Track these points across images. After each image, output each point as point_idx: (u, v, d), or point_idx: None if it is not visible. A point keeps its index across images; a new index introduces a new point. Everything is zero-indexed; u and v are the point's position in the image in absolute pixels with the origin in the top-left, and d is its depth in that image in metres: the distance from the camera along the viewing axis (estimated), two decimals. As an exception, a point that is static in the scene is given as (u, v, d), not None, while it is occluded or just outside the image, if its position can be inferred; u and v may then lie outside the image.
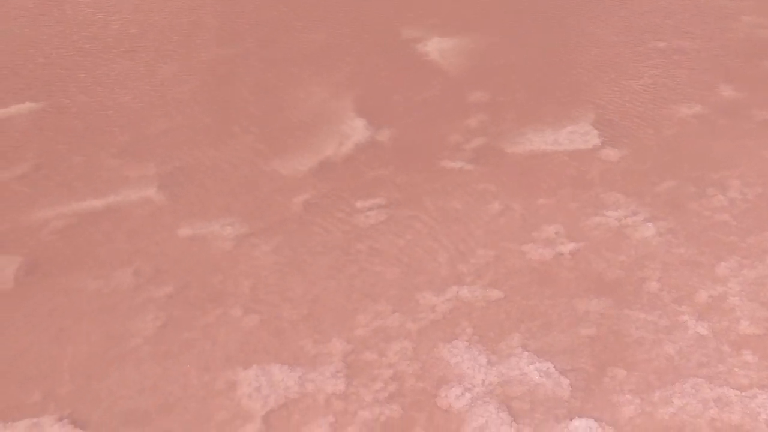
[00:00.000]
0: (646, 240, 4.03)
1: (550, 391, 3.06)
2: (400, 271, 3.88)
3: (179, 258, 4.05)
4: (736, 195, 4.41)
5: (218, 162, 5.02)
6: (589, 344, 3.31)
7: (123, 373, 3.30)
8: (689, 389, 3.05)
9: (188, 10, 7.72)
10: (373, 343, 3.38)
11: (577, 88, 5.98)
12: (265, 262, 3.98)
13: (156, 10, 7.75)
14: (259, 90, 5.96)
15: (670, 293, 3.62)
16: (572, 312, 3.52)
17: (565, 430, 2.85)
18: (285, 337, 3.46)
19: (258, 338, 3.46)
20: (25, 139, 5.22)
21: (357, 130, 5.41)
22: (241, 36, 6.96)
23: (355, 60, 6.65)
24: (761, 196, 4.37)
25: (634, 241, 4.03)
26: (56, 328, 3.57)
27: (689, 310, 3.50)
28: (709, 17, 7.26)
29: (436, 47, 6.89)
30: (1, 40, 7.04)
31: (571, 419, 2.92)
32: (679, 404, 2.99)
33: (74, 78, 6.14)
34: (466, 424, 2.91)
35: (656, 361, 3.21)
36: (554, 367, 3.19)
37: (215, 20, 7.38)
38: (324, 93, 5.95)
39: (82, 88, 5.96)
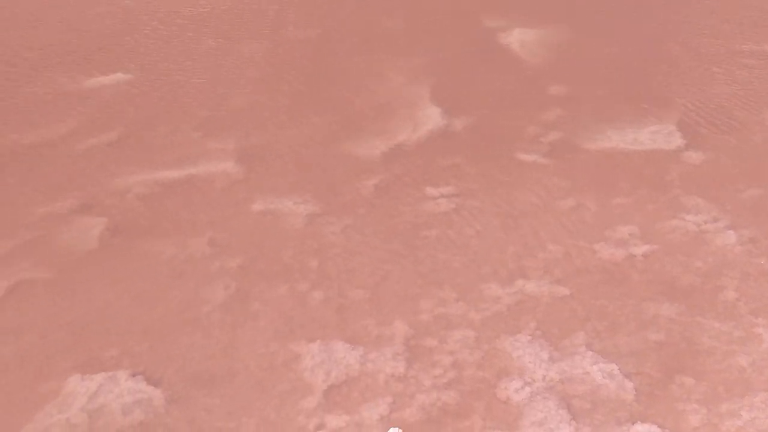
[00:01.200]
0: (725, 247, 3.88)
1: (612, 393, 3.01)
2: (466, 260, 3.87)
3: (252, 231, 4.17)
4: (828, 208, 4.18)
5: (294, 141, 5.12)
6: (657, 349, 3.23)
7: (193, 337, 3.44)
8: (759, 403, 2.94)
9: (273, -9, 7.86)
10: (435, 330, 3.40)
11: (661, 86, 5.78)
12: (333, 241, 4.05)
13: (243, -11, 7.92)
14: (337, 73, 6.03)
15: (747, 304, 3.48)
16: (641, 315, 3.43)
17: (625, 434, 2.80)
18: (348, 315, 3.52)
19: (322, 314, 3.53)
20: (115, 108, 5.46)
21: (432, 117, 5.41)
22: (323, 19, 7.05)
23: (434, 47, 6.63)
24: None
25: (712, 247, 3.88)
26: (135, 289, 3.75)
27: (766, 322, 3.36)
28: (811, 19, 6.85)
29: (517, 38, 6.79)
30: (100, 15, 7.37)
31: (633, 423, 2.87)
32: (747, 418, 2.88)
33: (164, 53, 6.37)
34: (524, 418, 2.90)
35: (727, 372, 3.10)
36: (619, 369, 3.13)
37: (300, 3, 7.49)
38: (401, 78, 5.97)
39: (170, 62, 6.18)
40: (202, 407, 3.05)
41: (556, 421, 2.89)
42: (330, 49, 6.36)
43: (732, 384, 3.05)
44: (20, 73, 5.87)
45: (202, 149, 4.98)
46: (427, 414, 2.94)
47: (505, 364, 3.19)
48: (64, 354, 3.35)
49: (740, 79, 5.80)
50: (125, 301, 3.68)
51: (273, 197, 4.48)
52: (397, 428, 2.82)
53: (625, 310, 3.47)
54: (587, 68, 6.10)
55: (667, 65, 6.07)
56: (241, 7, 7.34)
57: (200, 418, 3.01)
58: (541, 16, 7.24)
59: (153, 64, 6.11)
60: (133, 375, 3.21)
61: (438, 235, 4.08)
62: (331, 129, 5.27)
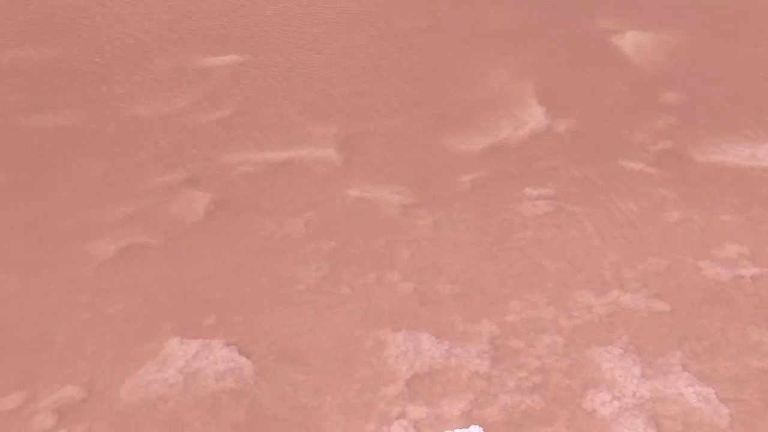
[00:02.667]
0: None
1: (707, 417, 2.88)
2: (560, 265, 3.79)
3: (347, 217, 4.26)
4: None
5: (394, 131, 5.17)
6: (759, 376, 3.06)
7: (285, 313, 3.55)
8: None
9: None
10: (522, 332, 3.36)
11: (787, 100, 5.41)
12: (426, 233, 4.07)
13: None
14: (441, 65, 6.02)
15: None
16: (744, 339, 3.25)
17: (717, 462, 2.68)
18: (436, 309, 3.53)
19: (410, 305, 3.56)
20: (227, 88, 5.70)
21: (535, 116, 5.31)
22: (432, 11, 7.04)
23: (543, 45, 6.49)
24: None
25: (831, 277, 3.62)
26: (234, 263, 3.91)
27: None
28: None
29: (631, 41, 6.54)
30: (216, -6, 7.66)
31: (726, 452, 2.73)
32: None
33: (275, 38, 6.57)
34: (608, 432, 2.83)
35: (837, 411, 2.90)
36: (715, 393, 2.98)
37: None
38: (506, 75, 5.89)
39: (281, 48, 6.37)
40: (288, 382, 3.16)
41: (643, 439, 2.79)
42: (436, 41, 6.36)
43: (842, 424, 2.84)
44: (144, 49, 6.21)
45: (305, 133, 5.11)
46: (508, 415, 2.92)
47: (593, 375, 3.11)
48: (166, 318, 3.54)
49: None
50: (224, 272, 3.85)
51: (369, 185, 4.54)
52: (478, 426, 2.82)
53: (728, 333, 3.30)
54: (705, 75, 5.80)
55: (795, 78, 5.68)
56: (338, 3, 7.45)
57: (286, 392, 3.11)
58: (659, 18, 6.94)
59: (265, 49, 6.31)
60: (227, 344, 3.35)
61: (533, 237, 4.01)
62: (431, 122, 5.28)
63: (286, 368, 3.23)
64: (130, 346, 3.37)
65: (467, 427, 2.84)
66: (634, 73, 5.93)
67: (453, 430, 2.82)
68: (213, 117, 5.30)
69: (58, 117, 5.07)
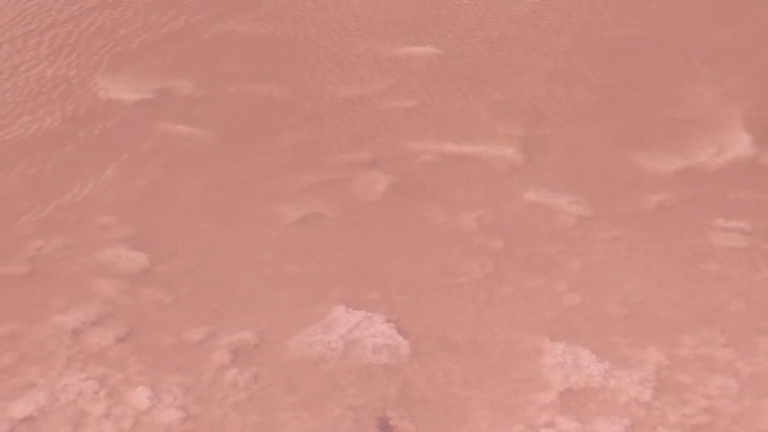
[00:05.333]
0: None
1: None
2: (746, 306, 3.50)
3: (520, 219, 4.23)
4: None
5: (581, 139, 5.02)
6: None
7: (446, 302, 3.62)
8: None
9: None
10: (693, 368, 3.15)
11: None
12: (602, 248, 3.93)
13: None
14: (643, 78, 5.73)
15: None
16: None
17: None
18: (601, 326, 3.41)
19: (574, 318, 3.48)
20: (420, 77, 5.86)
21: (740, 143, 4.90)
22: (642, 20, 6.71)
23: (758, 67, 5.94)
24: None
25: None
26: (403, 245, 4.04)
27: None
28: None
29: None
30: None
31: None
32: None
33: (473, 33, 6.63)
34: (778, 494, 2.58)
35: None
36: None
37: (623, 1, 7.21)
38: (714, 96, 5.48)
39: (477, 43, 6.41)
40: (441, 368, 3.23)
41: None
42: (642, 52, 6.06)
43: None
44: (346, 35, 6.56)
45: (489, 131, 5.13)
46: (665, 451, 2.77)
47: (765, 427, 2.85)
48: (335, 285, 3.76)
49: None
50: (392, 253, 4.00)
51: (547, 191, 4.47)
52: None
53: None
54: None
55: None
56: (557, 1, 7.30)
57: (438, 378, 3.18)
58: None
59: (461, 43, 6.40)
60: (388, 321, 3.49)
61: (719, 271, 3.73)
62: (623, 135, 5.06)
63: (441, 355, 3.30)
64: (301, 305, 3.62)
65: (619, 451, 2.74)
66: None
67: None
68: (402, 105, 5.48)
69: (266, 87, 5.52)
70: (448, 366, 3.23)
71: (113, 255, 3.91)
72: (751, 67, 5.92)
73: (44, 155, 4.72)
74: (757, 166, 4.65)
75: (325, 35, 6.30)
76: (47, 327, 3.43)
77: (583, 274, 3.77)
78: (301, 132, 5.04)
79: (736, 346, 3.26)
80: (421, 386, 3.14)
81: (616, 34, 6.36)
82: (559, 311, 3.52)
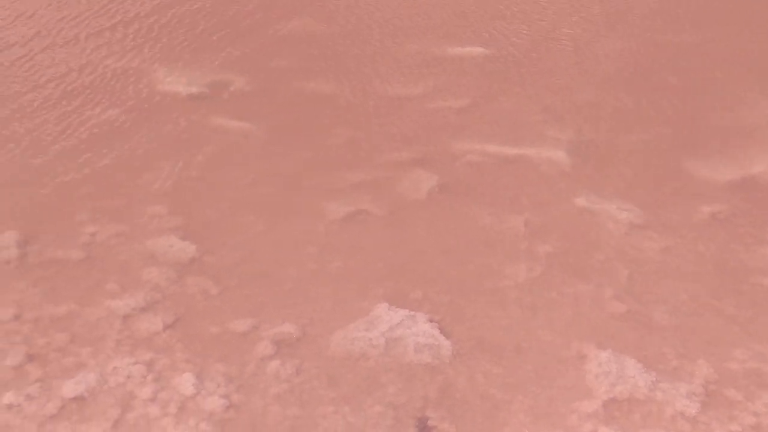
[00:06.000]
0: None
1: None
2: (802, 322, 3.38)
3: (568, 224, 4.17)
4: None
5: (634, 146, 4.93)
6: None
7: (490, 305, 3.60)
8: None
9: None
10: (743, 384, 3.06)
11: None
12: (651, 257, 3.85)
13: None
14: (701, 85, 5.58)
15: None
16: None
17: None
18: (648, 336, 3.35)
19: (620, 326, 3.42)
20: (469, 78, 5.83)
21: (800, 155, 4.74)
22: (703, 26, 6.54)
23: (825, 78, 5.73)
24: None
25: None
26: (448, 245, 4.04)
27: None
28: None
29: None
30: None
31: None
32: None
33: (522, 35, 6.57)
34: None
35: None
36: None
37: (679, 5, 7.05)
38: (772, 105, 5.31)
39: (527, 45, 6.35)
40: (482, 371, 3.21)
41: None
42: (701, 59, 5.91)
43: None
44: (397, 34, 6.57)
45: (538, 133, 5.08)
46: (711, 467, 2.70)
47: (821, 452, 2.75)
48: (379, 282, 3.78)
49: None
50: (437, 253, 4.00)
51: (597, 197, 4.40)
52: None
53: None
54: None
55: None
56: (609, 4, 7.18)
57: (478, 379, 3.17)
58: None
59: (511, 44, 6.35)
60: (430, 320, 3.49)
61: (773, 285, 3.62)
62: (676, 142, 4.95)
63: (483, 357, 3.29)
64: (344, 301, 3.65)
65: (664, 465, 2.68)
66: None
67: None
68: (450, 104, 5.46)
69: (318, 84, 5.57)
70: (490, 368, 3.22)
71: (163, 244, 4.00)
72: (815, 77, 5.72)
73: (102, 145, 4.86)
74: (818, 179, 4.49)
75: (378, 33, 6.33)
76: (99, 310, 3.54)
77: (630, 283, 3.70)
78: (350, 129, 5.07)
79: (790, 363, 3.16)
80: (462, 387, 3.13)
81: (668, 40, 6.21)
82: (605, 319, 3.47)
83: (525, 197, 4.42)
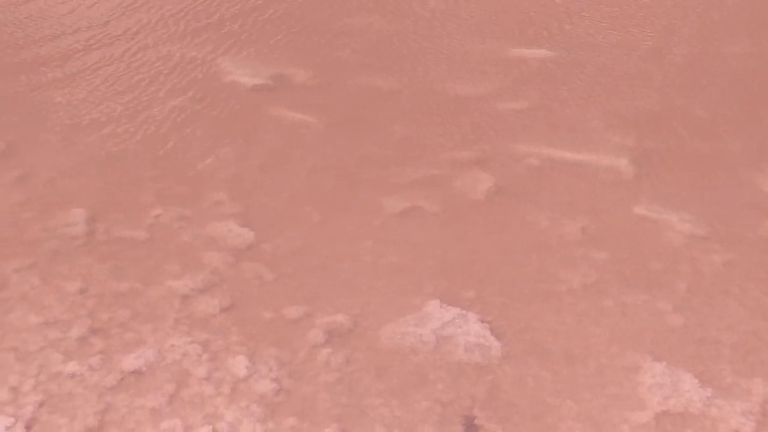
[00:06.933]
0: None
1: None
2: None
3: (627, 232, 4.10)
4: None
5: (699, 156, 4.80)
6: None
7: (543, 309, 3.57)
8: None
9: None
10: (805, 407, 2.96)
11: None
12: (712, 271, 3.75)
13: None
14: (765, 96, 5.40)
15: None
16: None
17: None
18: (706, 351, 3.26)
19: (677, 339, 3.34)
20: (531, 80, 5.78)
21: None
22: (759, 39, 6.32)
23: None
24: None
25: None
26: (502, 247, 4.02)
27: None
28: None
29: None
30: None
31: None
32: None
33: (591, 38, 6.47)
34: None
35: None
36: None
37: (749, 18, 6.82)
38: None
39: (594, 47, 6.26)
40: (532, 374, 3.19)
41: None
42: (760, 71, 5.71)
43: None
44: (462, 33, 6.56)
45: (600, 139, 5.00)
46: (766, 489, 2.62)
47: None
48: (431, 279, 3.79)
49: None
50: (491, 253, 3.98)
51: (658, 206, 4.31)
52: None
53: None
54: None
55: None
56: (675, 10, 7.00)
57: (528, 383, 3.15)
58: None
59: (578, 48, 6.26)
60: (482, 321, 3.49)
61: (843, 307, 3.48)
62: (742, 154, 4.80)
63: (533, 361, 3.27)
64: (396, 296, 3.68)
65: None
66: None
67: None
68: (512, 106, 5.43)
69: (380, 80, 5.62)
70: (540, 372, 3.19)
71: (223, 229, 4.11)
72: None
73: (169, 131, 5.02)
74: None
75: (443, 32, 6.33)
76: (160, 289, 3.66)
77: (689, 296, 3.61)
78: (410, 126, 5.10)
79: None
80: (511, 389, 3.12)
81: (733, 51, 6.03)
82: (661, 331, 3.40)
83: (583, 203, 4.36)
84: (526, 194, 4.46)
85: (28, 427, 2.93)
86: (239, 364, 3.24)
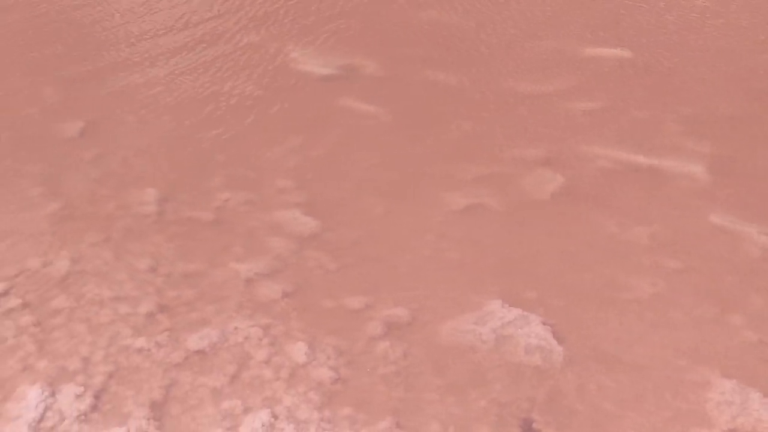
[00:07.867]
0: None
1: None
2: None
3: (700, 242, 3.95)
4: None
5: (780, 167, 4.58)
6: None
7: (608, 316, 3.48)
8: None
9: None
10: None
11: None
12: (791, 287, 3.58)
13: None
14: None
15: None
16: None
17: None
18: (780, 371, 3.12)
19: (749, 357, 3.21)
20: (603, 80, 5.62)
21: None
22: None
23: None
24: None
25: None
26: (567, 249, 3.93)
27: None
28: None
29: None
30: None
31: None
32: None
33: (668, 39, 6.25)
34: None
35: None
36: None
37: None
38: None
39: (671, 50, 6.04)
40: (594, 381, 3.12)
41: None
42: None
43: None
44: (532, 30, 6.44)
45: (675, 144, 4.83)
46: None
47: None
48: (493, 278, 3.74)
49: None
50: (556, 255, 3.91)
51: (735, 217, 4.14)
52: None
53: None
54: None
55: None
56: (757, 15, 6.68)
57: (590, 390, 3.08)
58: None
59: (654, 49, 6.06)
60: (544, 323, 3.43)
61: None
62: (831, 168, 4.55)
63: (596, 368, 3.19)
64: (457, 292, 3.65)
65: None
66: None
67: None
68: (583, 106, 5.30)
69: (448, 75, 5.57)
70: (603, 381, 3.12)
71: (288, 216, 4.16)
72: None
73: (239, 117, 5.10)
74: None
75: (514, 28, 6.23)
76: (225, 272, 3.74)
77: (764, 312, 3.46)
78: (477, 122, 5.04)
79: None
80: (571, 395, 3.05)
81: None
82: (732, 347, 3.27)
83: (655, 209, 4.22)
84: (594, 197, 4.35)
85: (96, 397, 3.04)
86: (299, 351, 3.28)
